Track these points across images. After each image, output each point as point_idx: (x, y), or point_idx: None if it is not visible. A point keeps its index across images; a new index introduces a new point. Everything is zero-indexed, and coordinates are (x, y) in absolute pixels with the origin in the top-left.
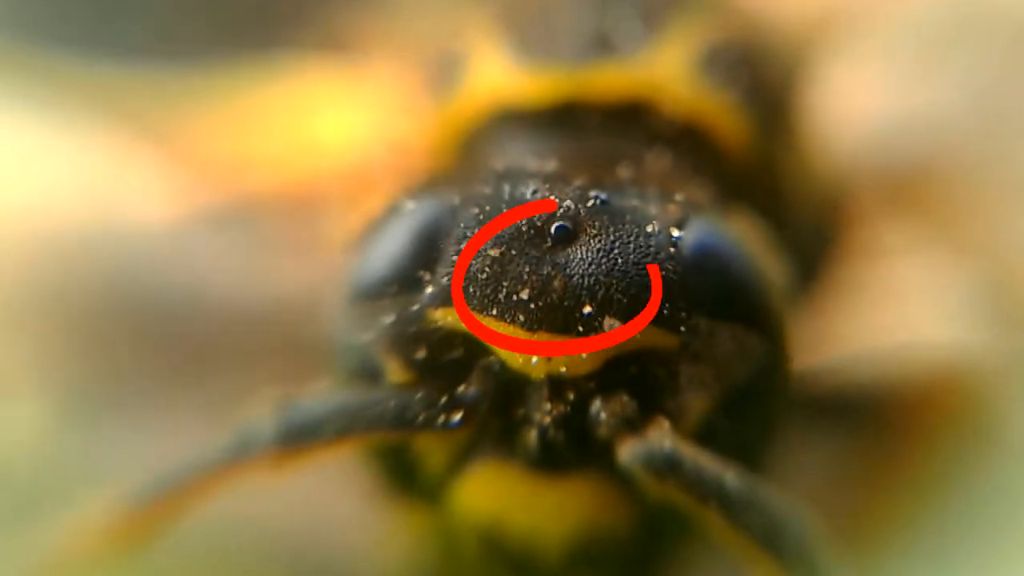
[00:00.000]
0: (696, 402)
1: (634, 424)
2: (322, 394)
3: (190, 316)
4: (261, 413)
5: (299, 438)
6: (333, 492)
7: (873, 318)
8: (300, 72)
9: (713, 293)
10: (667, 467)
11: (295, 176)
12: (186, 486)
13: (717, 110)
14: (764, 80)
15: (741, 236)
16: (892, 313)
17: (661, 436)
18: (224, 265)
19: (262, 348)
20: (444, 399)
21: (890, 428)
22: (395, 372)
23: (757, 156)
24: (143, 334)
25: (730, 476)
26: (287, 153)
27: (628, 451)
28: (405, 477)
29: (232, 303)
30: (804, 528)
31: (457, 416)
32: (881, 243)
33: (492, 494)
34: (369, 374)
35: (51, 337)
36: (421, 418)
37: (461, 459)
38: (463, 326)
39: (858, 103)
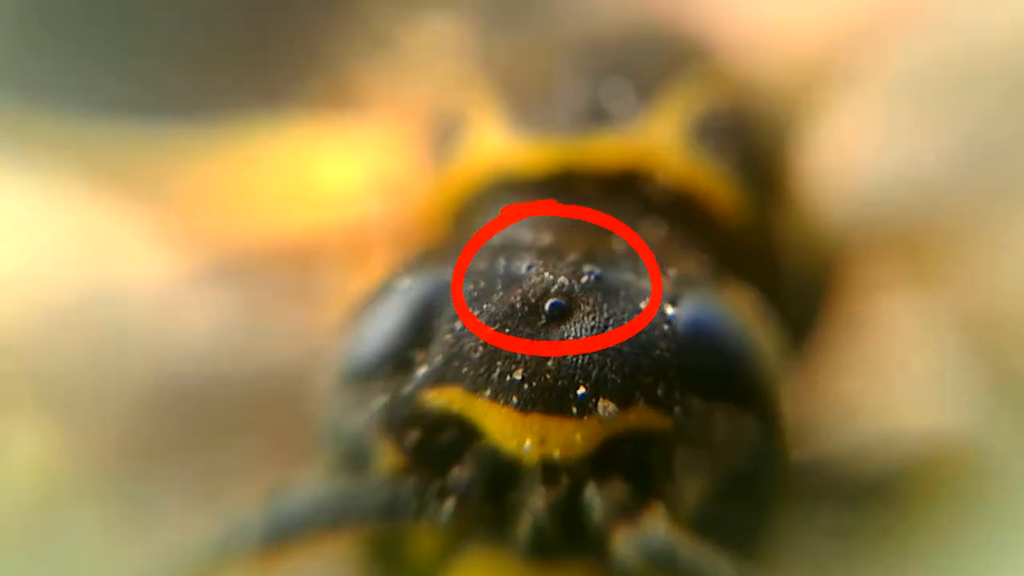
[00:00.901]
0: (692, 485)
1: (629, 510)
2: (311, 486)
3: (185, 384)
4: (249, 508)
5: (287, 534)
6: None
7: (869, 377)
8: (300, 125)
9: (708, 373)
10: (662, 558)
11: (295, 229)
12: None
13: (710, 178)
14: (756, 145)
15: (736, 311)
16: (888, 371)
17: (656, 525)
18: (221, 329)
19: (257, 415)
20: (436, 486)
21: (886, 506)
22: (386, 455)
23: (751, 220)
24: (136, 405)
25: (725, 568)
26: (286, 206)
27: (623, 540)
28: (395, 564)
29: (228, 369)
30: None
31: (449, 505)
32: (876, 299)
33: None
34: (360, 456)
35: (41, 409)
36: (412, 509)
37: (453, 545)
38: (456, 408)
39: (850, 159)
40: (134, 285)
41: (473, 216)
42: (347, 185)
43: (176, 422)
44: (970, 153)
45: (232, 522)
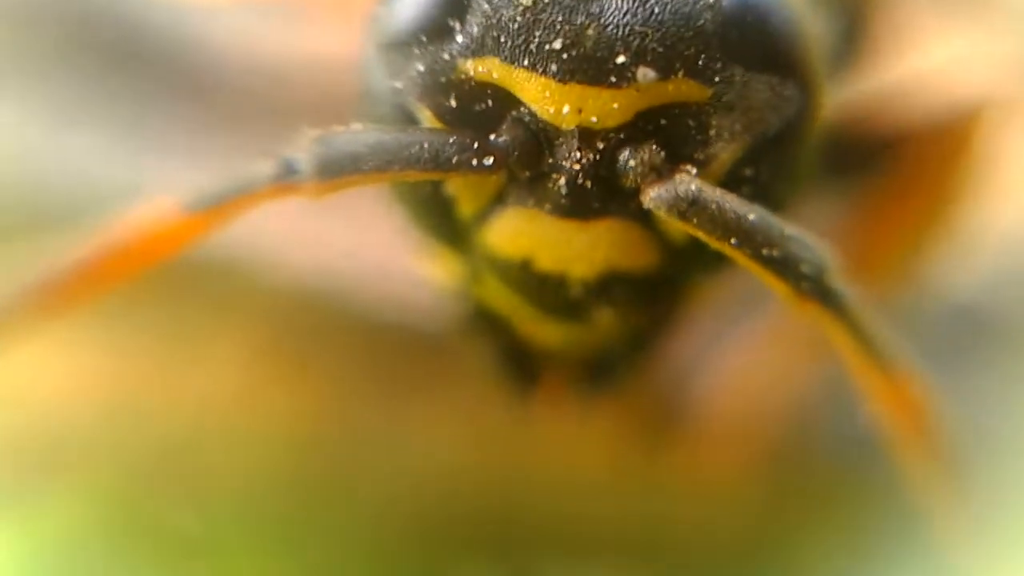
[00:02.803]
0: (725, 151)
1: (661, 171)
2: (360, 132)
3: (215, 67)
4: (301, 147)
5: (337, 172)
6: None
7: (906, 80)
8: None
9: (751, 45)
10: (690, 207)
11: None
12: (228, 201)
13: None
14: None
15: None
16: (924, 75)
17: (686, 180)
18: (253, 22)
19: (294, 103)
20: (476, 145)
21: (905, 169)
22: (427, 120)
23: None
24: (159, 81)
25: (751, 212)
26: None
27: (653, 194)
28: (438, 223)
29: (262, 59)
30: (822, 258)
31: (489, 160)
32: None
33: (521, 237)
34: (401, 121)
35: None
36: (455, 160)
37: (492, 205)
38: (494, 77)
39: None
40: None
41: None
42: None
43: (210, 98)
44: None
45: (285, 157)
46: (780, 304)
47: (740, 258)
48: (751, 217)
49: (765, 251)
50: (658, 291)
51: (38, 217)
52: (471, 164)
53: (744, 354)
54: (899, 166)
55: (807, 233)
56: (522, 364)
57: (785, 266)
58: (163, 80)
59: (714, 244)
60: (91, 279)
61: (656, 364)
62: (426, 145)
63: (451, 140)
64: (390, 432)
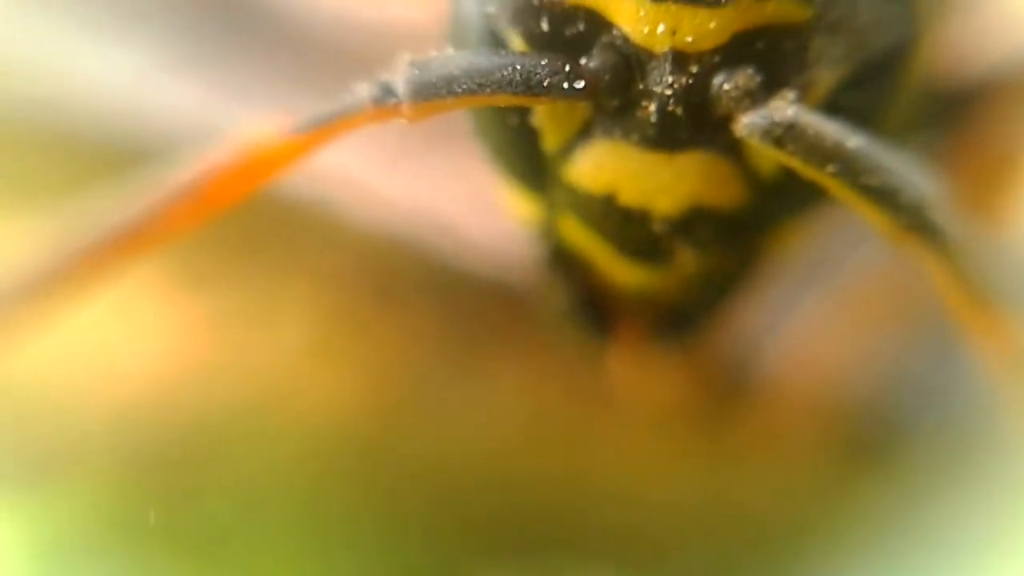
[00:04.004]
0: (825, 77)
1: (757, 97)
2: (453, 55)
3: (310, 22)
4: (397, 71)
5: (432, 94)
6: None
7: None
8: None
9: None
10: (786, 133)
11: None
12: (330, 124)
13: None
14: None
15: None
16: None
17: (783, 106)
18: None
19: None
20: (567, 68)
21: (978, 125)
22: (518, 46)
23: None
24: (257, 33)
25: (851, 138)
26: None
27: (747, 120)
28: (522, 157)
29: (355, 17)
30: (926, 188)
31: (579, 84)
32: None
33: (605, 170)
34: (492, 47)
35: None
36: (546, 83)
37: (577, 138)
38: None
39: None
40: None
41: None
42: None
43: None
44: None
45: (379, 82)
46: (854, 272)
47: (837, 188)
48: (851, 143)
49: (865, 180)
50: (742, 231)
51: (141, 151)
52: (562, 88)
53: (816, 323)
54: (973, 122)
55: (911, 160)
56: (598, 312)
57: (886, 196)
58: (261, 32)
59: (809, 174)
60: (197, 201)
61: (727, 331)
62: (518, 67)
63: (543, 63)
64: (455, 396)
